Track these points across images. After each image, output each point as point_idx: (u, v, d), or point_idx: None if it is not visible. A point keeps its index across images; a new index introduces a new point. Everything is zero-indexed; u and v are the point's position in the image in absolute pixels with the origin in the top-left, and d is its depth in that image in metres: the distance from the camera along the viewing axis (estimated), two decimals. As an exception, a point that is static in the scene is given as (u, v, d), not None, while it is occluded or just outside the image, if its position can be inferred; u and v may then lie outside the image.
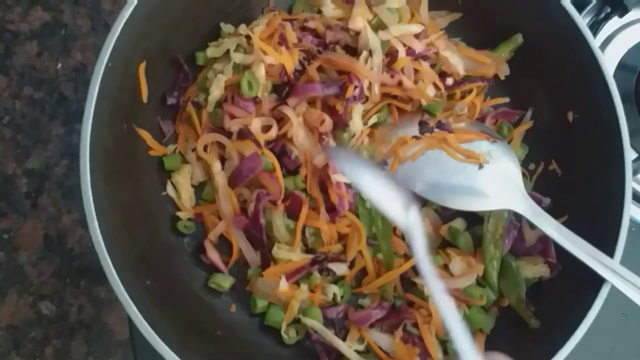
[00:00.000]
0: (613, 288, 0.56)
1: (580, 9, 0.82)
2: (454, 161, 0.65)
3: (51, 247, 1.53)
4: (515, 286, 0.63)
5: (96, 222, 0.52)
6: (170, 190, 0.66)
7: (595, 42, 0.63)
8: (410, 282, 0.65)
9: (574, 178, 0.67)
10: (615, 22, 0.84)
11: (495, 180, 0.64)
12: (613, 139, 0.61)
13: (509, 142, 0.70)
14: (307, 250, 0.66)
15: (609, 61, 0.81)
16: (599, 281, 0.56)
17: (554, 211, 0.63)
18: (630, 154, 0.60)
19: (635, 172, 0.74)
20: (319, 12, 0.70)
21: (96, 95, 0.54)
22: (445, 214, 0.68)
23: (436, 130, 0.67)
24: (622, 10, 0.83)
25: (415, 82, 0.68)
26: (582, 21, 0.63)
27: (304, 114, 0.65)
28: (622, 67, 0.82)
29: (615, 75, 0.80)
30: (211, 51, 0.67)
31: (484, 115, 0.72)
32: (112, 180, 0.56)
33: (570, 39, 0.64)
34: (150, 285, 0.56)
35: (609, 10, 0.83)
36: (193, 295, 0.64)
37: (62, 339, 1.48)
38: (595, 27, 0.83)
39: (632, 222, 0.76)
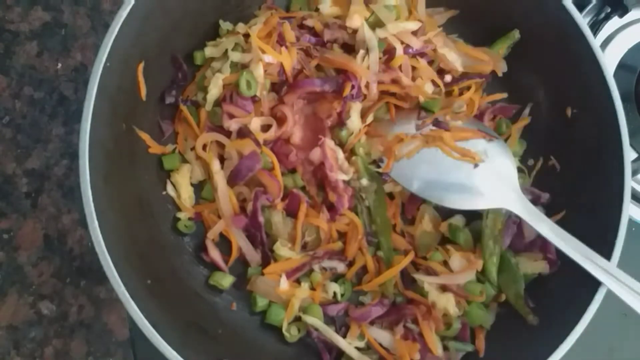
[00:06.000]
0: (612, 287, 0.56)
1: (580, 8, 0.82)
2: (450, 159, 0.65)
3: (51, 247, 1.53)
4: (514, 282, 0.63)
5: (96, 222, 0.51)
6: (170, 189, 0.66)
7: (595, 42, 0.63)
8: (410, 279, 0.65)
9: (573, 174, 0.67)
10: (615, 22, 0.84)
11: (491, 179, 0.64)
12: (613, 138, 0.61)
13: (508, 138, 0.70)
14: (307, 248, 0.66)
15: (609, 61, 0.81)
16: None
17: (552, 207, 0.62)
18: (629, 154, 0.60)
19: (635, 172, 0.74)
20: (317, 10, 0.70)
21: (95, 95, 0.54)
22: (445, 210, 0.67)
23: (433, 128, 0.67)
24: (622, 10, 0.82)
25: (413, 79, 0.68)
26: (583, 21, 0.63)
27: (308, 110, 0.65)
28: (622, 67, 0.82)
29: (615, 75, 0.79)
30: (209, 50, 0.67)
31: (482, 111, 0.72)
32: (112, 180, 0.56)
33: (570, 38, 0.64)
34: (151, 285, 0.56)
35: (609, 10, 0.83)
36: (194, 294, 0.64)
37: (62, 339, 1.48)
38: (595, 27, 0.83)
39: (632, 222, 0.76)
